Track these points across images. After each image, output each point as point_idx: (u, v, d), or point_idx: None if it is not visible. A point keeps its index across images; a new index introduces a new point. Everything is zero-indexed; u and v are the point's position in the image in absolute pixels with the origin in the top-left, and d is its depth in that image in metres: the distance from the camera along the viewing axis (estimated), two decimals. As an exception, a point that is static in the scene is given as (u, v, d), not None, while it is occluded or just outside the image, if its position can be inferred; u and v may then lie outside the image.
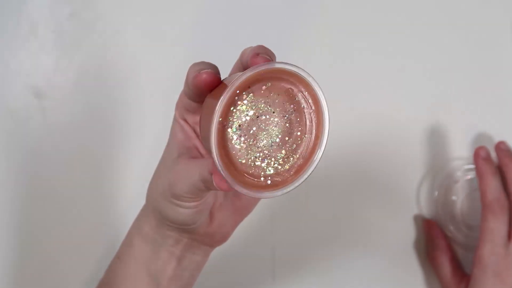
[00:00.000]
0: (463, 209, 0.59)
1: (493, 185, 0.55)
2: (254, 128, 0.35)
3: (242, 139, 0.35)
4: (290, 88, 0.36)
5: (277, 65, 0.34)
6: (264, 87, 0.35)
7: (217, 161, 0.34)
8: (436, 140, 0.61)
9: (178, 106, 0.42)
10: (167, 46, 0.62)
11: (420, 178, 0.61)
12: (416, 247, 0.60)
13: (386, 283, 0.60)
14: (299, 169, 0.36)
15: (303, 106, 0.36)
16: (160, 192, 0.42)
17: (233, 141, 0.35)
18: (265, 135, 0.36)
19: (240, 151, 0.35)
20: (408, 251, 0.60)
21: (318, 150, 0.36)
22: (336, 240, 0.60)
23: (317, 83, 0.35)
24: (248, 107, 0.35)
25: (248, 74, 0.34)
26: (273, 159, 0.36)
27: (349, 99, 0.62)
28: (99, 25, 0.62)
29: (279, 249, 0.60)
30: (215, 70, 0.38)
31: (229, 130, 0.35)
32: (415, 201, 0.61)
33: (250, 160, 0.35)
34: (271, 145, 0.36)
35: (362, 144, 0.61)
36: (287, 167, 0.36)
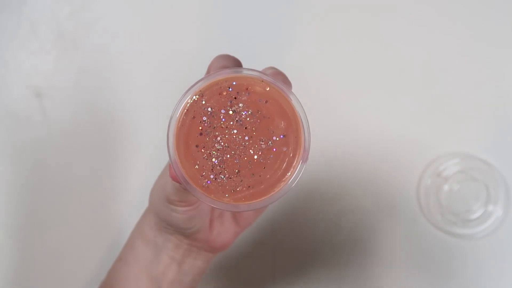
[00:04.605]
0: (455, 201, 0.59)
1: None
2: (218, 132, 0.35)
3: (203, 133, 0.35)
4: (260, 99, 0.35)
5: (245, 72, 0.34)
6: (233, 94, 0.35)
7: (170, 148, 0.35)
8: (429, 137, 0.61)
9: None
10: (167, 46, 0.62)
11: (417, 176, 0.61)
12: (416, 247, 0.60)
13: (386, 283, 0.60)
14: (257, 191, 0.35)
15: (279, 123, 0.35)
16: (158, 195, 0.42)
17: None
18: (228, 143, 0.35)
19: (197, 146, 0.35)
20: (407, 251, 0.60)
21: (292, 168, 0.35)
22: (336, 241, 0.60)
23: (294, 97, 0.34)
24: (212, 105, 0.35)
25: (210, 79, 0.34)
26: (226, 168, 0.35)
27: (345, 101, 0.62)
28: (99, 25, 0.62)
29: (279, 251, 0.60)
30: (237, 64, 0.37)
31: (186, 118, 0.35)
32: (416, 200, 0.61)
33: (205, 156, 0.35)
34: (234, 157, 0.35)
35: (359, 145, 0.61)
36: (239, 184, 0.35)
